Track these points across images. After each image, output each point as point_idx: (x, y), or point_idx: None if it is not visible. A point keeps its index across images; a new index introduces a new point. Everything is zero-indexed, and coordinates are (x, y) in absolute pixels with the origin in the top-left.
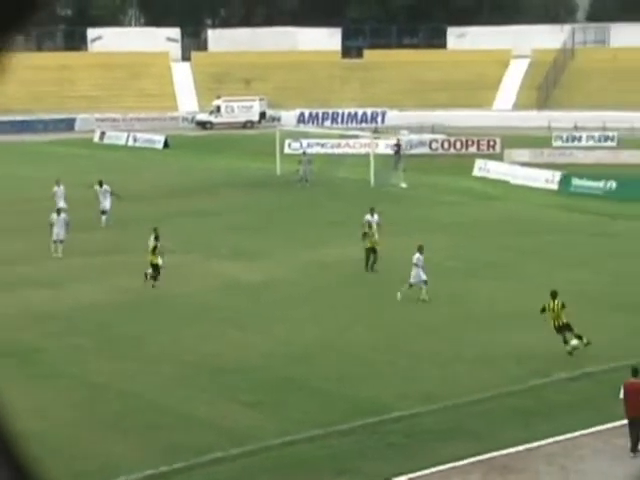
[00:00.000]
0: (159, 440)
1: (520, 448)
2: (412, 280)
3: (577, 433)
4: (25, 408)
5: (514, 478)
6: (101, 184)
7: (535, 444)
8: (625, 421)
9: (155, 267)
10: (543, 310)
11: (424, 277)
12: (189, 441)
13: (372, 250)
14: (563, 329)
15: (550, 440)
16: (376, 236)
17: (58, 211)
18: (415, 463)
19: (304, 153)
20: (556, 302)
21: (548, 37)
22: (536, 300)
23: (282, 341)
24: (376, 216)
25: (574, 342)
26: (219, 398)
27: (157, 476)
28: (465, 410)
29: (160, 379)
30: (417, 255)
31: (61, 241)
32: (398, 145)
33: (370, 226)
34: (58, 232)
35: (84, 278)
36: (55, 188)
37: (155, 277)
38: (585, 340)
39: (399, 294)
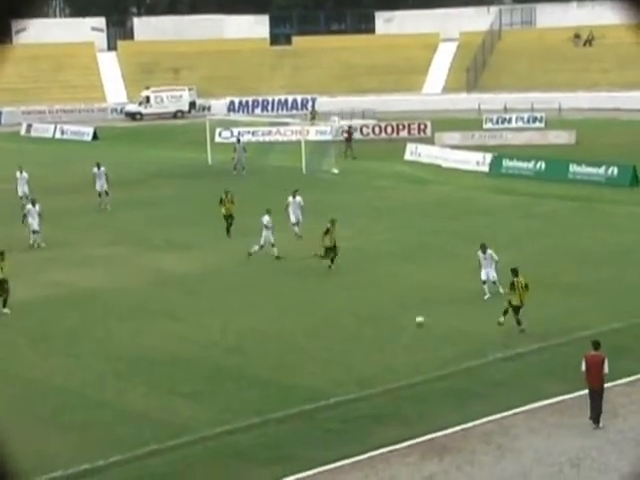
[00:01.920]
0: (96, 435)
1: (457, 429)
2: (262, 242)
3: (512, 412)
4: None
5: (452, 458)
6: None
7: (471, 424)
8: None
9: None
10: (512, 287)
11: (272, 240)
12: (126, 435)
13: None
14: (518, 310)
15: (485, 420)
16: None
17: (33, 202)
18: (353, 448)
19: (238, 140)
20: (520, 279)
21: (475, 19)
22: (469, 282)
23: (217, 331)
24: (298, 197)
25: (501, 319)
26: (156, 391)
27: (94, 470)
28: (401, 394)
29: (96, 374)
30: (266, 217)
31: (36, 232)
32: (349, 132)
33: (333, 224)
34: (32, 222)
35: (15, 274)
36: (18, 174)
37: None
38: (522, 326)
39: (250, 252)
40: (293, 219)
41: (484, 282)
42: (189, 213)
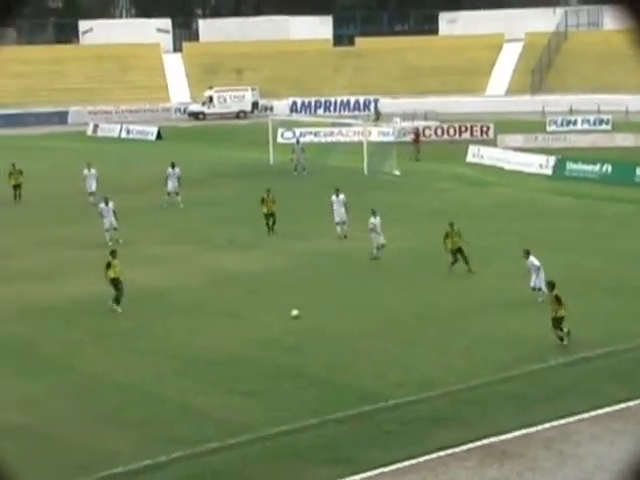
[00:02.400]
0: (156, 432)
1: (517, 434)
2: (376, 243)
3: (574, 418)
4: (22, 401)
5: (512, 464)
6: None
7: (532, 429)
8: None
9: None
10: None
11: (382, 240)
12: (186, 432)
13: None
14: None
15: (547, 425)
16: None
17: (106, 201)
18: (411, 450)
19: (297, 142)
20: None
21: (541, 20)
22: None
23: (277, 331)
24: (341, 196)
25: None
26: (215, 389)
27: (155, 466)
28: (461, 397)
29: (156, 372)
30: (372, 219)
31: (115, 229)
32: (417, 134)
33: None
34: (105, 221)
35: (78, 271)
36: (85, 171)
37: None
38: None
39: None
40: (337, 218)
41: (532, 289)
42: (250, 213)
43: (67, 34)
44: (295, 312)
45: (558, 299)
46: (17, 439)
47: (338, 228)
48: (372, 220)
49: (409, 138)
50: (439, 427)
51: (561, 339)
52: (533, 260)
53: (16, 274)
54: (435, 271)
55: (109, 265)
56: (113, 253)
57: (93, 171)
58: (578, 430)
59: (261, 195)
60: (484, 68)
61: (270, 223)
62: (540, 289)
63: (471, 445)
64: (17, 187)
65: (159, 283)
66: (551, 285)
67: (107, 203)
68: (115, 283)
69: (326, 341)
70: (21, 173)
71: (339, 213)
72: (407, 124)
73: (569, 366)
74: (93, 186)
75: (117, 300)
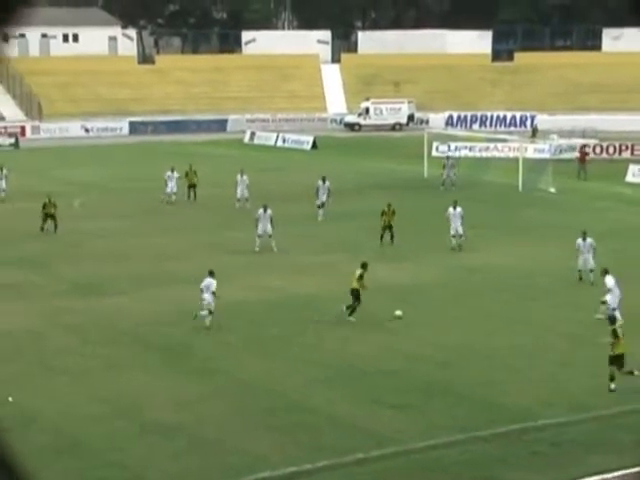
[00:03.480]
0: (304, 439)
1: None
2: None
3: None
4: (176, 402)
5: None
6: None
7: None
8: None
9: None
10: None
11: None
12: (333, 441)
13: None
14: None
15: None
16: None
17: (264, 208)
18: (560, 473)
19: (447, 157)
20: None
21: None
22: None
23: (427, 345)
24: (459, 209)
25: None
26: (363, 400)
27: (301, 473)
28: (614, 422)
29: (305, 379)
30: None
31: (270, 236)
32: (584, 152)
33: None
34: (264, 228)
35: (233, 276)
36: (238, 177)
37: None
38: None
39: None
40: (452, 231)
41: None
42: (403, 225)
43: (230, 44)
44: (398, 312)
45: (615, 334)
46: (170, 438)
47: (454, 241)
48: (579, 241)
49: (573, 157)
50: (590, 451)
51: (611, 378)
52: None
53: (173, 276)
54: (590, 291)
55: (361, 276)
56: (364, 266)
57: (245, 177)
58: None
59: (381, 208)
60: None
61: (388, 236)
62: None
63: (622, 472)
64: (192, 187)
65: (310, 291)
66: (611, 319)
67: (265, 210)
68: (356, 294)
69: (476, 357)
70: (196, 174)
71: (455, 225)
72: (565, 141)
73: None
74: (242, 192)
75: (352, 311)
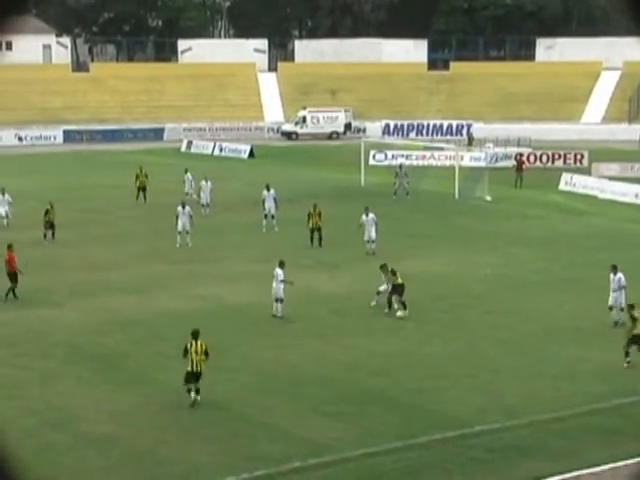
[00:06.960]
0: (240, 448)
1: (605, 467)
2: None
3: None
4: (109, 412)
5: None
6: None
7: (621, 463)
8: None
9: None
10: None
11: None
12: (269, 450)
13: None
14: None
15: (636, 461)
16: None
17: (183, 205)
18: (497, 478)
19: (400, 166)
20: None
21: None
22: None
23: (362, 352)
24: (371, 215)
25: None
26: (299, 408)
27: None
28: (548, 427)
29: (241, 388)
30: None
31: (187, 232)
32: (520, 160)
33: None
34: (183, 223)
35: (166, 286)
36: (203, 183)
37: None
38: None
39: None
40: (366, 237)
41: (611, 308)
42: (339, 233)
43: (166, 52)
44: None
45: (634, 319)
46: (104, 450)
47: (367, 246)
48: (611, 276)
49: (510, 165)
50: (526, 457)
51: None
52: (621, 277)
53: (106, 286)
54: (523, 298)
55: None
56: (383, 267)
57: (209, 183)
58: None
59: (308, 210)
60: (580, 96)
61: (316, 237)
62: (623, 309)
63: (557, 478)
64: (142, 189)
65: (245, 300)
66: (630, 306)
67: (184, 207)
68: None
69: (412, 365)
70: (147, 176)
71: (369, 232)
72: (500, 150)
73: None
74: (206, 198)
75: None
